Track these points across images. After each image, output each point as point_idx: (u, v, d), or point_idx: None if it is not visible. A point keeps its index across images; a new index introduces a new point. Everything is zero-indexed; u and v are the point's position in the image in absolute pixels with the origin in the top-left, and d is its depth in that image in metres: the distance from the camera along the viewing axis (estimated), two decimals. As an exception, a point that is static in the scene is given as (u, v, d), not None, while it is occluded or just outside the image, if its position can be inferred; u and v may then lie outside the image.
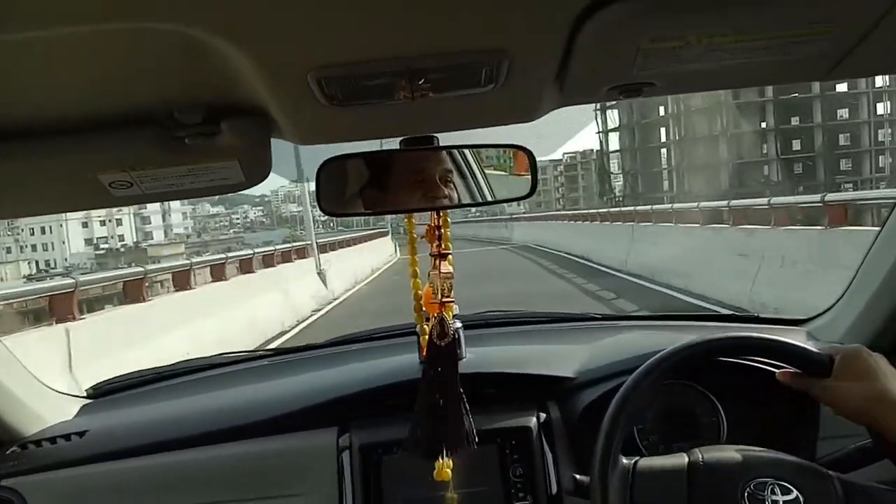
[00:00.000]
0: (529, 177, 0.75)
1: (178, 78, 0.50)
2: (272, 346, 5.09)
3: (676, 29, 0.49)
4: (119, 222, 60.77)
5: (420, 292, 0.83)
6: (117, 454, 0.91)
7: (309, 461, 0.90)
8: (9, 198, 0.69)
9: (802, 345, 0.75)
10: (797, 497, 0.65)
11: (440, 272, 0.79)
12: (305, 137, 0.64)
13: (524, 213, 30.85)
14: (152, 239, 61.14)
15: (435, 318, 0.78)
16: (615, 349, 0.99)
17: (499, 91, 0.55)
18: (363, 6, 0.41)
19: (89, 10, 0.37)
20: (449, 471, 0.79)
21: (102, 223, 59.35)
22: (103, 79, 0.49)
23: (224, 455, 0.90)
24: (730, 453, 0.71)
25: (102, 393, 1.10)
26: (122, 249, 51.26)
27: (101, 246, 54.85)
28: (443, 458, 0.78)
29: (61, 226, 55.08)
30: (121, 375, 1.15)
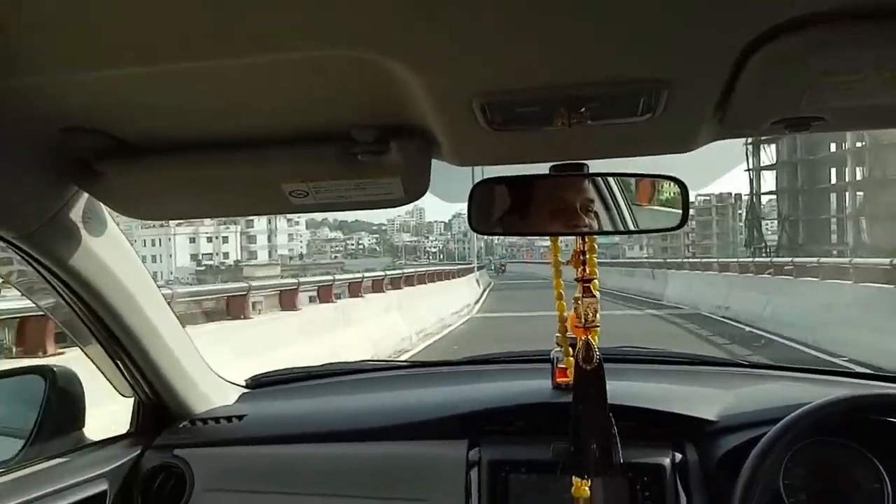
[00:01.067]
0: (681, 209, 0.82)
1: (356, 100, 0.64)
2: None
3: (851, 62, 0.53)
4: (225, 240, 66.64)
5: (565, 314, 0.92)
6: (270, 440, 1.11)
7: (437, 469, 1.02)
8: (207, 200, 0.89)
9: None
10: None
11: (584, 298, 0.88)
12: (463, 159, 0.76)
13: (647, 258, 28.88)
14: (256, 258, 67.37)
15: (581, 342, 0.87)
16: (760, 397, 1.02)
17: (656, 121, 0.62)
18: (529, 37, 0.49)
19: (288, 39, 0.50)
20: (588, 489, 0.86)
21: (209, 239, 65.61)
22: (294, 99, 0.64)
23: (362, 453, 1.06)
24: None
25: (258, 384, 1.33)
26: (223, 267, 56.65)
27: (204, 262, 61.46)
28: (583, 479, 0.86)
29: (169, 240, 62.47)
30: (275, 370, 1.38)
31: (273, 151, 0.73)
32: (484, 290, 18.89)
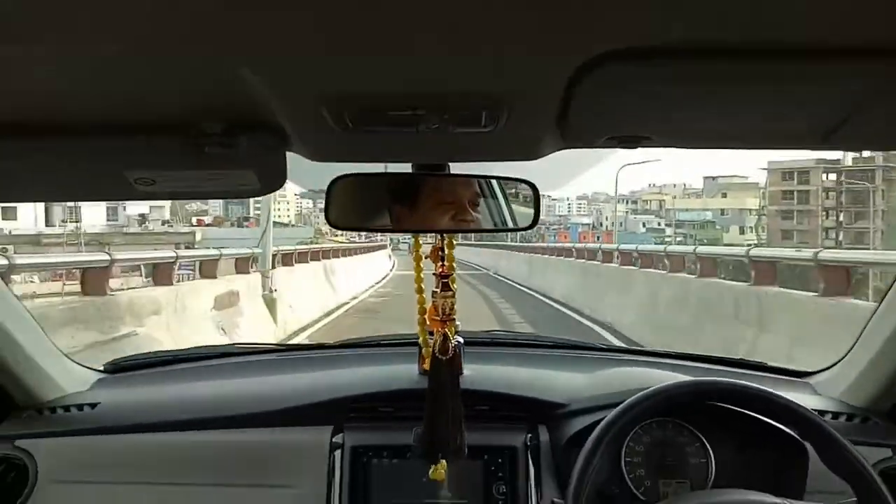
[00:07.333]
0: (533, 210, 1.42)
1: (201, 94, 0.92)
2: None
3: (668, 93, 0.95)
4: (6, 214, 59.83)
5: (426, 306, 1.52)
6: (124, 429, 1.69)
7: (302, 456, 1.64)
8: (43, 183, 1.32)
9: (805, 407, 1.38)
10: None
11: (442, 292, 1.48)
12: (318, 155, 1.20)
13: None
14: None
15: (438, 334, 1.47)
16: (612, 380, 1.68)
17: (500, 132, 1.06)
18: (368, 44, 0.74)
19: (128, 35, 0.71)
20: (443, 471, 1.50)
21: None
22: (135, 90, 0.90)
23: (223, 441, 1.66)
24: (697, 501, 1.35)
25: (118, 369, 1.95)
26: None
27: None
28: (435, 462, 1.49)
29: None
30: (138, 354, 2.04)
31: (113, 140, 1.05)
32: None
